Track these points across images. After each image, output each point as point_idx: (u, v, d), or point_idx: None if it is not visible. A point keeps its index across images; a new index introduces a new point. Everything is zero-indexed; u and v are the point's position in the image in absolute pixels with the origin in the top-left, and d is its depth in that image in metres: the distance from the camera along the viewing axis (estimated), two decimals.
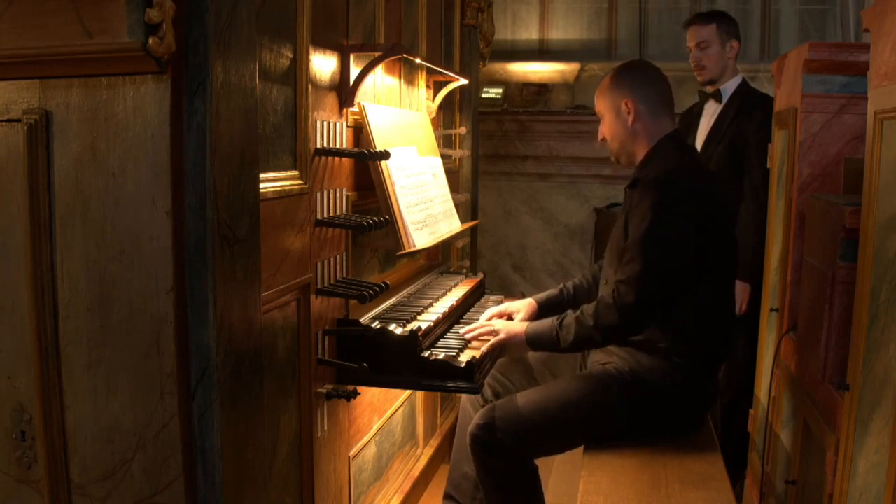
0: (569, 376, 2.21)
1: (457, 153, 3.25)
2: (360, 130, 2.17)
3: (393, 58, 2.17)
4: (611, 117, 2.18)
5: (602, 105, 2.21)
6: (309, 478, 1.90)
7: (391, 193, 2.15)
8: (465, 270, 3.12)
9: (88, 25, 1.21)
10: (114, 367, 1.33)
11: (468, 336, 2.23)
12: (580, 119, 4.58)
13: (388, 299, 2.33)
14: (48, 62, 1.27)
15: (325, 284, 1.95)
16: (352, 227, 1.95)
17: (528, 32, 4.98)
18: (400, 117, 2.41)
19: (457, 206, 2.78)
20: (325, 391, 1.97)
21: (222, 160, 1.30)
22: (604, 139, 2.23)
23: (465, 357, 2.06)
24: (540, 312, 2.38)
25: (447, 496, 2.36)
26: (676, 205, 2.01)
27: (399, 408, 2.63)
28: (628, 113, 2.14)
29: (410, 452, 2.80)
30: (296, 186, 1.76)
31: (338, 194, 2.01)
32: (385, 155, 2.03)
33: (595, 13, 4.88)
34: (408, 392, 2.70)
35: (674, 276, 2.01)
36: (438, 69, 2.74)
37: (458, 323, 2.45)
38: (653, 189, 2.02)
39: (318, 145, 1.90)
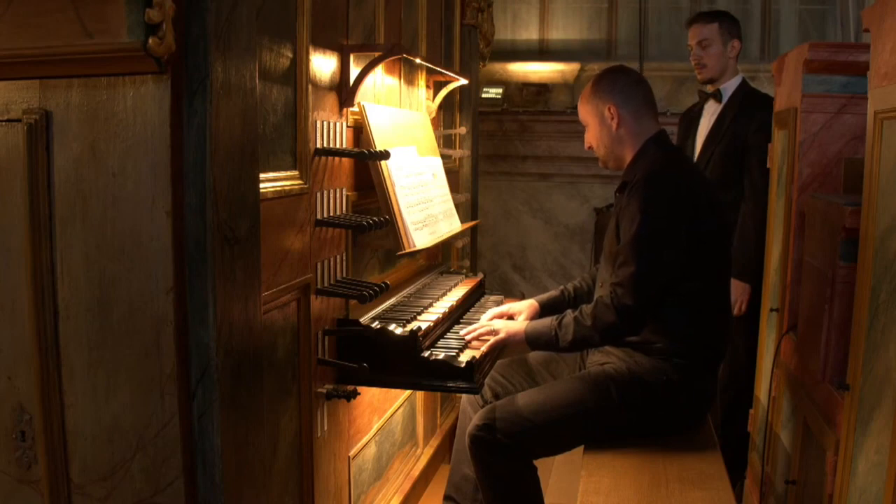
0: (568, 377, 2.21)
1: (457, 153, 3.25)
2: (360, 130, 2.17)
3: (393, 58, 2.17)
4: (595, 124, 2.20)
5: (586, 113, 2.22)
6: (309, 478, 1.90)
7: (391, 193, 2.15)
8: (464, 270, 3.12)
9: (88, 25, 1.21)
10: (114, 367, 1.33)
11: (468, 337, 2.23)
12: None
13: (388, 299, 2.33)
14: (48, 62, 1.27)
15: (325, 284, 1.95)
16: (352, 227, 1.95)
17: (528, 32, 4.97)
18: (400, 117, 2.41)
19: (457, 206, 2.78)
20: (325, 391, 1.97)
21: (222, 160, 1.30)
22: (591, 146, 2.25)
23: (465, 357, 2.06)
24: (542, 313, 2.38)
25: (447, 497, 2.36)
26: (664, 203, 2.02)
27: (399, 408, 2.63)
28: (612, 118, 2.15)
29: (410, 452, 2.80)
30: (296, 186, 1.76)
31: (338, 194, 2.00)
32: (385, 155, 2.03)
33: (595, 13, 4.88)
34: (408, 392, 2.70)
35: (668, 274, 2.02)
36: (438, 69, 2.74)
37: (458, 323, 2.45)
38: (641, 190, 2.03)
39: (318, 145, 1.90)
